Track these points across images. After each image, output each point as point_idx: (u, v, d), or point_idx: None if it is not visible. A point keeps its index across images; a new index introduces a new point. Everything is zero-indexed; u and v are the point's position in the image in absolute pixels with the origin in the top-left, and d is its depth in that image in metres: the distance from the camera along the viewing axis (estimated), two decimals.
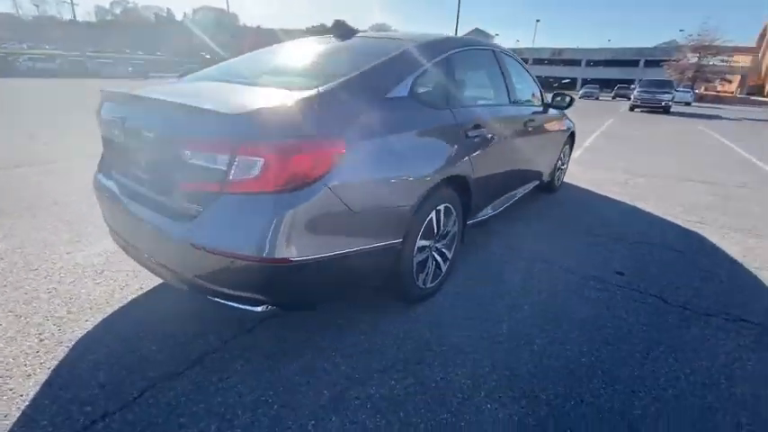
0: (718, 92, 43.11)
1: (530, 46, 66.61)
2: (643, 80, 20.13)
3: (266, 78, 1.90)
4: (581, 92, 34.34)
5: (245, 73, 1.99)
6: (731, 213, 3.59)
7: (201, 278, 1.37)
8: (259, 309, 1.36)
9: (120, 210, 1.61)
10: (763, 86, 49.31)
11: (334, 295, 1.67)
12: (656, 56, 47.76)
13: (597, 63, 55.82)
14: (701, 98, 33.62)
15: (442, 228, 1.91)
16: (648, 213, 3.53)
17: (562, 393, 1.44)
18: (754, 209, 3.77)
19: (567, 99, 3.26)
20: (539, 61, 58.20)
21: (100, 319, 1.76)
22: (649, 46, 56.23)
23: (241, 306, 1.37)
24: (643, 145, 7.80)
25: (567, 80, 57.28)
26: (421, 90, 1.80)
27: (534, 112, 3.02)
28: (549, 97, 3.27)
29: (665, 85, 19.07)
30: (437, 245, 1.95)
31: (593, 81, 40.50)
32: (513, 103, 2.71)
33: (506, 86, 2.65)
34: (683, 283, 2.27)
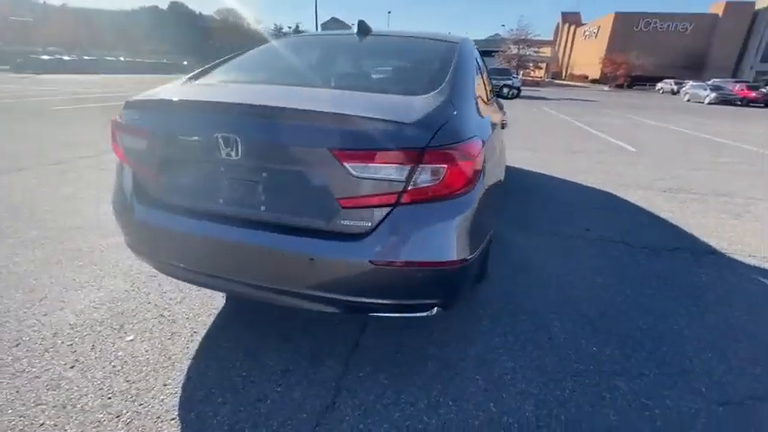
0: (533, 77, 53.63)
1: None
2: (490, 68, 23.68)
3: (358, 82, 1.95)
4: None
5: (309, 75, 1.93)
6: (612, 173, 4.80)
7: (368, 294, 1.33)
8: (427, 313, 1.39)
9: (201, 240, 1.41)
10: (560, 72, 63.25)
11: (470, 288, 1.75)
12: (489, 47, 56.23)
13: None
14: (523, 83, 41.59)
15: None
16: (561, 179, 4.46)
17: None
18: (620, 168, 5.12)
19: None
20: None
21: None
22: (482, 38, 65.83)
23: (409, 315, 1.39)
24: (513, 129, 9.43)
25: None
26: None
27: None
28: None
29: (505, 72, 22.91)
30: None
31: None
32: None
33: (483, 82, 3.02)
34: (626, 229, 3.04)
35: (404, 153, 1.20)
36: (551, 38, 66.81)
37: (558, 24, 66.23)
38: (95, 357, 1.59)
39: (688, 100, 24.87)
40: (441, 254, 1.27)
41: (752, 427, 1.38)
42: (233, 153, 1.27)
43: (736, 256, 2.65)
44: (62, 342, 1.67)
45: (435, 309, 1.40)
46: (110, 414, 1.34)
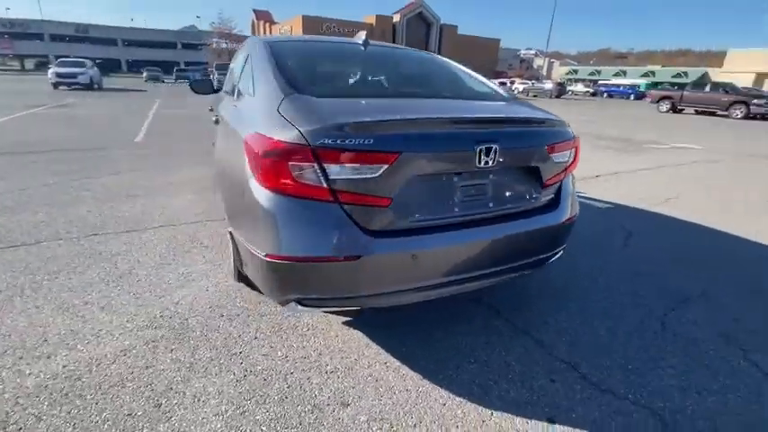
0: None
1: (38, 18, 52.23)
2: (217, 64, 22.81)
3: (460, 91, 2.24)
4: (145, 75, 33.31)
5: (403, 88, 2.17)
6: None
7: (552, 248, 1.84)
8: (558, 256, 1.94)
9: (443, 252, 1.52)
10: None
11: None
12: (189, 39, 52.23)
13: (136, 44, 53.39)
14: None
15: None
16: None
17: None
18: None
19: None
20: (58, 38, 47.78)
21: None
22: (174, 29, 59.89)
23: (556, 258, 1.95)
24: None
25: (100, 60, 51.90)
26: None
27: None
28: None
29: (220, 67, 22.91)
30: None
31: (148, 63, 39.53)
32: None
33: None
34: None
35: (573, 141, 1.80)
36: (250, 34, 68.94)
37: (254, 21, 68.97)
38: None
39: None
40: (577, 210, 1.93)
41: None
42: (490, 161, 1.49)
43: None
44: None
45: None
46: None
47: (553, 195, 1.83)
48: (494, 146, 1.50)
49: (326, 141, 1.31)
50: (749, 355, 1.84)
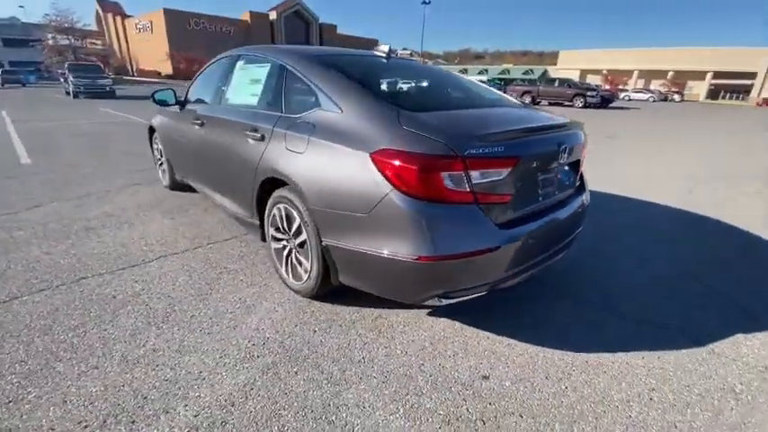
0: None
1: None
2: (69, 65, 18.99)
3: (483, 100, 2.44)
4: None
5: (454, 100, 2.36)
6: None
7: (580, 225, 2.27)
8: None
9: (543, 232, 1.84)
10: (126, 67, 57.87)
11: None
12: (13, 34, 42.06)
13: None
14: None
15: None
16: None
17: None
18: None
19: None
20: None
21: None
22: None
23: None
24: None
25: None
26: None
27: None
28: None
29: (96, 69, 19.43)
30: None
31: None
32: None
33: None
34: None
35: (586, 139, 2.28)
36: (96, 28, 58.65)
37: (99, 13, 58.85)
38: None
39: None
40: None
41: None
42: (564, 157, 1.91)
43: None
44: None
45: None
46: None
47: (580, 181, 2.32)
48: (566, 146, 1.90)
49: (472, 151, 1.54)
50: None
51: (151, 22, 51.79)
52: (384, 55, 2.50)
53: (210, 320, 2.03)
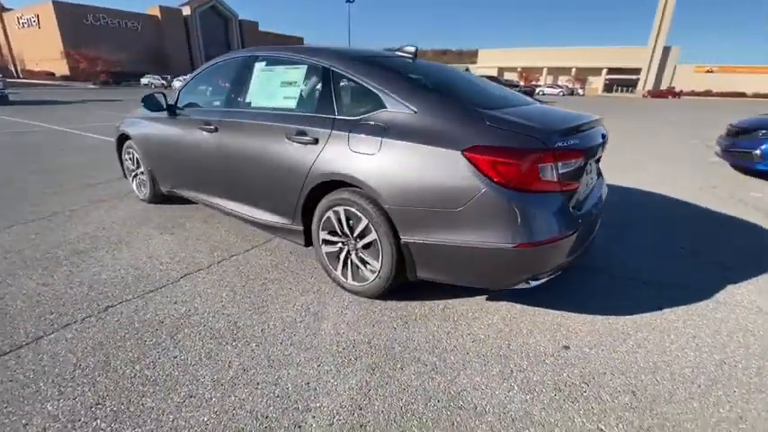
0: None
1: None
2: None
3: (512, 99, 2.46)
4: None
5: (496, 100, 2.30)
6: None
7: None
8: None
9: (589, 216, 2.02)
10: (8, 68, 49.74)
11: None
12: None
13: None
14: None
15: None
16: None
17: None
18: None
19: None
20: None
21: None
22: None
23: None
24: None
25: None
26: None
27: None
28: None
29: None
30: None
31: None
32: None
33: None
34: None
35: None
36: None
37: None
38: None
39: None
40: None
41: None
42: (600, 149, 2.12)
43: None
44: None
45: None
46: None
47: (599, 169, 2.61)
48: (606, 138, 2.21)
49: (559, 144, 1.72)
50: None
51: (38, 16, 45.15)
52: (411, 56, 2.55)
53: (285, 332, 1.96)
